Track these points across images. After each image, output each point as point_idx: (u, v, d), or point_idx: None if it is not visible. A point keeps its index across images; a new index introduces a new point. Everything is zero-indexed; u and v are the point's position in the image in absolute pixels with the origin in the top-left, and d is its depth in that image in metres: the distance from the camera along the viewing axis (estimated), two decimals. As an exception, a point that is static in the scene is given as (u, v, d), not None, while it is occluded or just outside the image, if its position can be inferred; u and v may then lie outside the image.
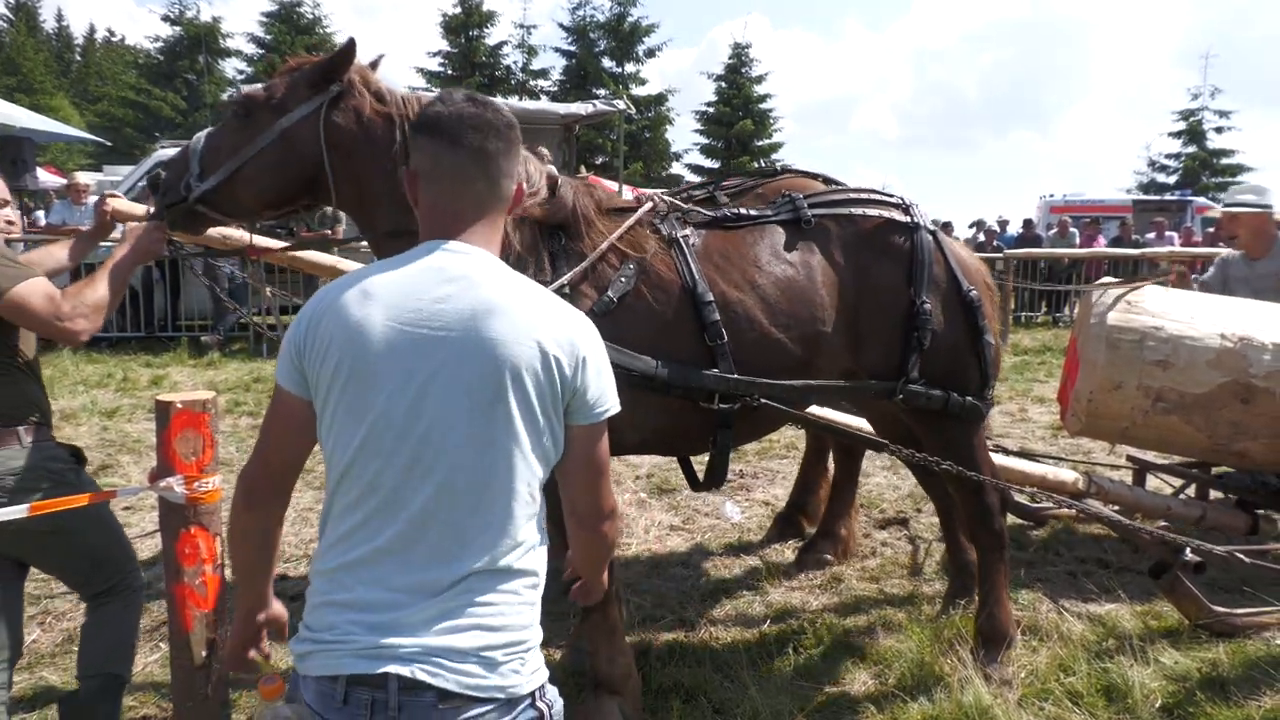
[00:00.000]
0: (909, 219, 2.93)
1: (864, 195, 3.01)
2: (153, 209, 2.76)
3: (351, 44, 2.62)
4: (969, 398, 2.96)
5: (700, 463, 3.00)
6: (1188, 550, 3.22)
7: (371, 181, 2.62)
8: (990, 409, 3.13)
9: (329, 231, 10.06)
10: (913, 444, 3.11)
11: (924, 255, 2.88)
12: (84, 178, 11.46)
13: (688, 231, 2.79)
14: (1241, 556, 3.28)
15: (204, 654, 2.34)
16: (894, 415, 3.20)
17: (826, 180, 3.53)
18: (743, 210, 2.92)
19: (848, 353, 2.89)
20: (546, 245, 2.61)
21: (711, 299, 2.64)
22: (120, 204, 3.00)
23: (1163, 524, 3.95)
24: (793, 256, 2.82)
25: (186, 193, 2.60)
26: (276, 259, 3.63)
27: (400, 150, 2.58)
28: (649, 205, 2.84)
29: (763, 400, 2.72)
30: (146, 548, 4.17)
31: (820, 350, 2.82)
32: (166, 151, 11.98)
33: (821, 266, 2.83)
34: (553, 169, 2.85)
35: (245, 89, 2.75)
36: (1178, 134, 32.25)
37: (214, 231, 3.37)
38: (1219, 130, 31.75)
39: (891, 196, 3.03)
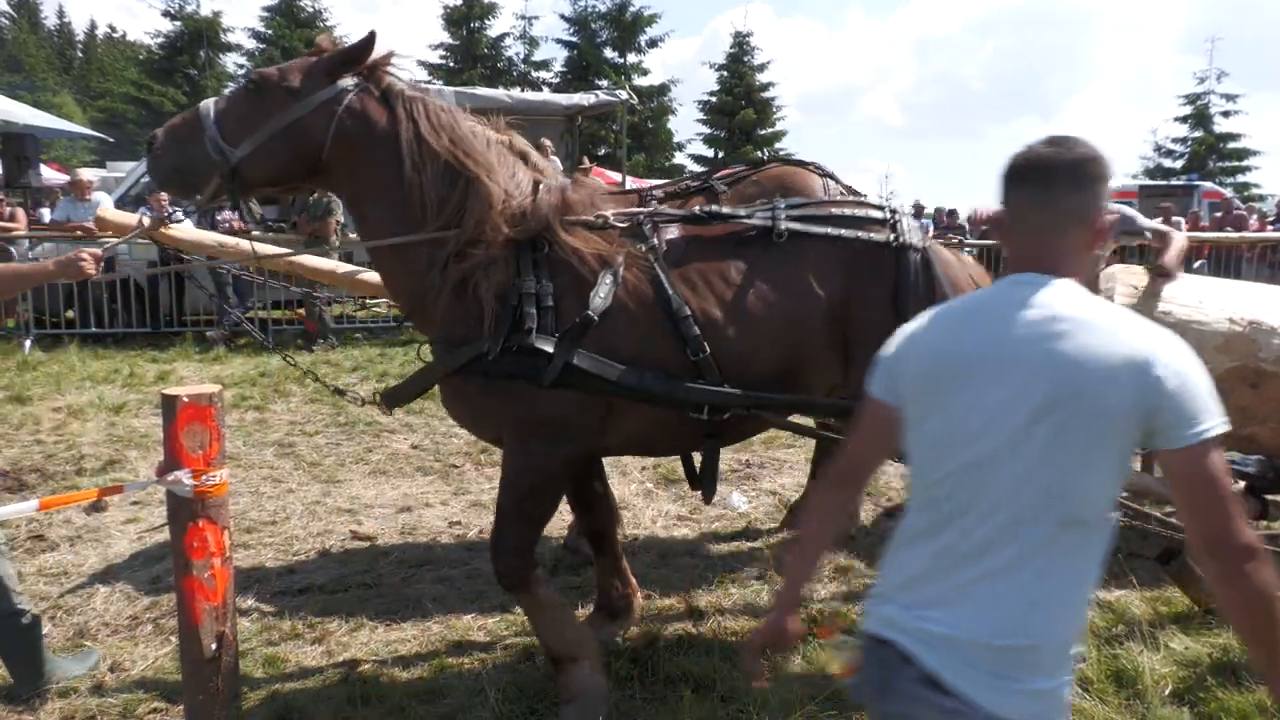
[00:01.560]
0: (894, 237, 2.82)
1: (848, 211, 2.89)
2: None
3: (371, 37, 2.68)
4: None
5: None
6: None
7: (369, 178, 2.69)
8: None
9: (322, 223, 10.06)
10: None
11: (909, 278, 2.77)
12: (87, 174, 11.44)
13: (656, 241, 2.74)
14: None
15: (213, 647, 2.35)
16: None
17: (818, 169, 3.52)
18: (714, 209, 2.85)
19: (841, 373, 2.84)
20: (530, 254, 2.61)
21: (689, 313, 2.61)
22: (109, 213, 3.02)
23: (1171, 510, 3.94)
24: (777, 272, 2.75)
25: (220, 157, 2.61)
26: (275, 265, 3.66)
27: (405, 150, 2.63)
28: (619, 210, 2.80)
29: (753, 410, 2.71)
30: (155, 542, 4.19)
31: (810, 366, 2.79)
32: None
33: (807, 283, 2.75)
34: (556, 161, 2.87)
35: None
36: (1184, 119, 32.04)
37: (211, 238, 3.40)
38: (1226, 114, 31.51)
39: (879, 210, 2.92)
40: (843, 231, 2.83)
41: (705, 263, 2.74)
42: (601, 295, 2.58)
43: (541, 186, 2.76)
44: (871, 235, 2.83)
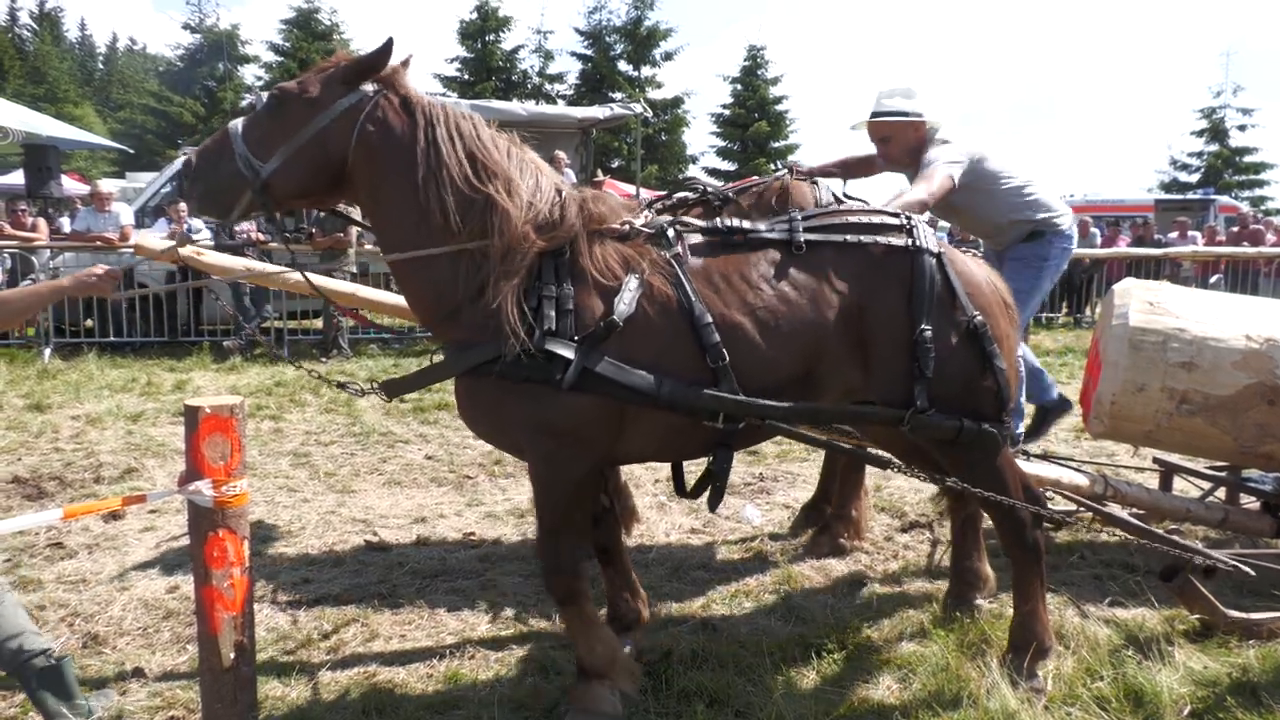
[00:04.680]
0: (909, 242, 2.85)
1: (863, 220, 2.92)
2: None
3: (389, 45, 2.67)
4: (985, 424, 2.86)
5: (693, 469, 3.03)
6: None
7: (389, 187, 2.69)
8: (1009, 434, 3.01)
9: (341, 234, 10.14)
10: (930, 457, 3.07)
11: (924, 281, 2.79)
12: (107, 185, 11.58)
13: (680, 249, 2.76)
14: (1239, 565, 3.22)
15: (232, 656, 2.37)
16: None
17: (814, 181, 3.56)
18: (736, 223, 2.88)
19: (860, 377, 2.83)
20: (552, 259, 2.63)
21: (710, 320, 2.62)
22: (145, 240, 3.09)
23: (1174, 527, 3.90)
24: (794, 280, 2.77)
25: (251, 173, 2.63)
26: (298, 288, 3.75)
27: (422, 159, 2.63)
28: (644, 219, 2.82)
29: (767, 421, 2.71)
30: (172, 551, 4.22)
31: (828, 374, 2.78)
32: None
33: (824, 291, 2.77)
34: (570, 174, 2.89)
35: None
36: (1199, 132, 31.94)
37: (239, 263, 3.49)
38: (1241, 128, 31.45)
39: (894, 217, 2.94)
40: (860, 237, 2.86)
41: (725, 270, 2.77)
42: (626, 301, 2.58)
43: (567, 195, 2.77)
44: (888, 240, 2.86)
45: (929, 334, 2.76)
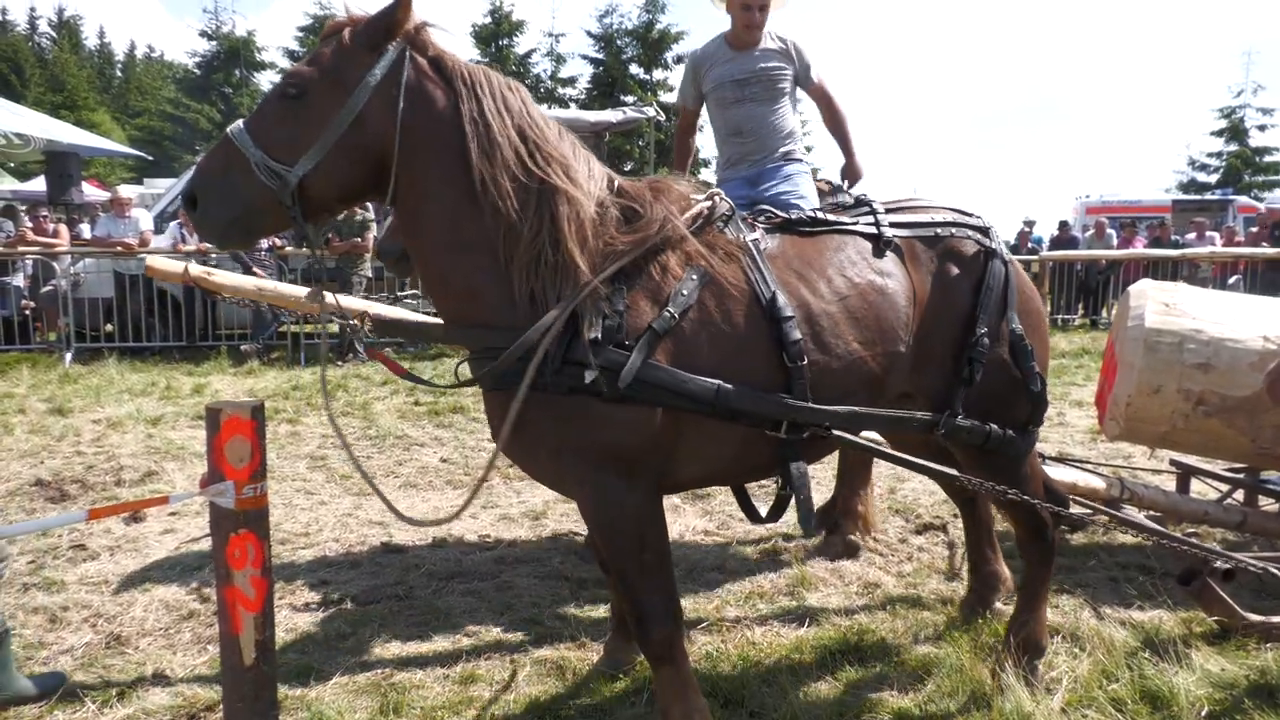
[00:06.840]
0: (988, 243, 2.79)
1: (946, 215, 2.84)
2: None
3: None
4: (1010, 430, 2.78)
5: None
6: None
7: (430, 166, 2.26)
8: (1034, 440, 2.97)
9: (359, 239, 10.20)
10: (948, 457, 3.01)
11: (994, 283, 2.72)
12: (126, 191, 11.73)
13: (758, 235, 2.52)
14: (1266, 567, 3.20)
15: (254, 655, 2.40)
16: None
17: (829, 184, 3.57)
18: (819, 214, 2.77)
19: (913, 374, 2.70)
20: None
21: (792, 314, 2.33)
22: (157, 261, 3.13)
23: (1192, 530, 3.88)
24: (878, 267, 2.60)
25: (277, 182, 2.18)
26: (308, 309, 3.85)
27: (471, 133, 2.23)
28: (709, 203, 2.50)
29: (833, 430, 2.42)
30: (192, 552, 4.27)
31: (894, 372, 2.60)
32: (206, 164, 12.22)
33: (904, 281, 2.63)
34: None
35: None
36: (1219, 132, 31.67)
37: (250, 283, 3.56)
38: (1261, 128, 31.18)
39: (973, 217, 2.88)
40: (948, 231, 2.77)
41: (803, 260, 2.53)
42: (685, 292, 2.28)
43: (648, 192, 2.44)
44: (968, 236, 2.80)
45: (986, 340, 2.68)
